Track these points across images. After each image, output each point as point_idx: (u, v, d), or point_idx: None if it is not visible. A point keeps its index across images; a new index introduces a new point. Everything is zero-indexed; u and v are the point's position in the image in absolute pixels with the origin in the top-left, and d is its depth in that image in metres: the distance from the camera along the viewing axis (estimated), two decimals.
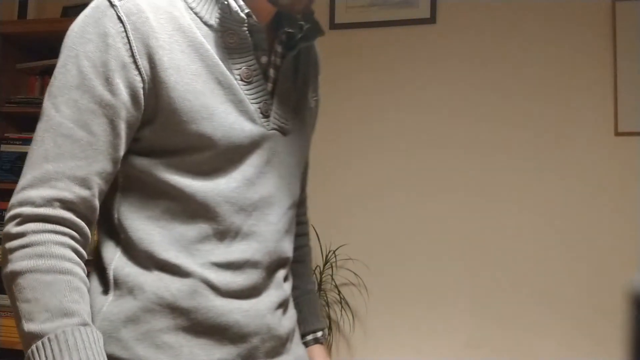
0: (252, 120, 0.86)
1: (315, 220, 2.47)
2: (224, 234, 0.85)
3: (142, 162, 0.83)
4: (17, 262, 0.75)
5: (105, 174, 0.80)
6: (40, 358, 0.71)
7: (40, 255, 0.74)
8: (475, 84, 2.41)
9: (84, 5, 2.92)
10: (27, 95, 2.61)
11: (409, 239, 2.41)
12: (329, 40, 2.55)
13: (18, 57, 2.61)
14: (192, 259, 0.83)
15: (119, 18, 0.79)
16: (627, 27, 2.27)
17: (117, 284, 0.83)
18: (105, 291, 0.83)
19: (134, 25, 0.79)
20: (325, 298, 2.43)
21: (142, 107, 0.81)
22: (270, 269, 0.90)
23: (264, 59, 0.89)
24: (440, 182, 2.40)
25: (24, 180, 0.77)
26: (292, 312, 0.98)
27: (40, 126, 0.79)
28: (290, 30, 0.90)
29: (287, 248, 0.93)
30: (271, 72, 0.90)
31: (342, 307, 2.43)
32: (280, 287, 0.93)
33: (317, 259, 2.46)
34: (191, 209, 0.83)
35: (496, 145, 2.37)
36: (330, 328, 2.41)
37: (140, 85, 0.80)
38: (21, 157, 2.47)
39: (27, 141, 2.49)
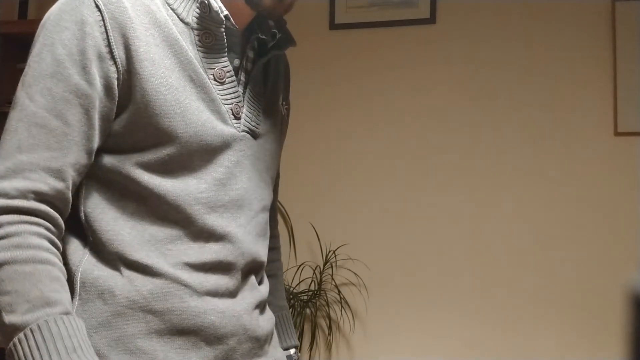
0: (224, 120, 0.85)
1: (316, 220, 2.47)
2: (197, 235, 0.83)
3: (110, 160, 0.81)
4: None
5: (79, 165, 0.78)
6: (23, 349, 0.69)
7: (18, 246, 0.72)
8: (475, 84, 2.41)
9: None
10: None
11: (409, 239, 2.41)
12: (329, 40, 2.55)
13: (18, 57, 2.61)
14: (164, 259, 0.81)
15: (97, 6, 0.77)
16: (627, 27, 2.27)
17: (85, 288, 0.79)
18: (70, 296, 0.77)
19: (112, 14, 0.77)
20: (326, 298, 2.43)
21: (116, 99, 0.79)
22: (244, 271, 0.88)
23: (236, 62, 0.89)
24: (440, 183, 2.40)
25: None
26: (269, 314, 0.95)
27: (13, 115, 0.75)
28: (262, 36, 0.90)
29: (261, 252, 0.92)
30: (242, 75, 0.89)
31: (342, 307, 2.44)
32: (256, 289, 0.91)
33: (317, 259, 2.47)
34: (162, 210, 0.82)
35: (496, 145, 2.37)
36: (330, 328, 2.41)
37: (115, 75, 0.78)
38: None
39: None
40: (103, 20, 0.77)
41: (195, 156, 0.83)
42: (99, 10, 0.77)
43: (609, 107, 2.28)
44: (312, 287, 2.42)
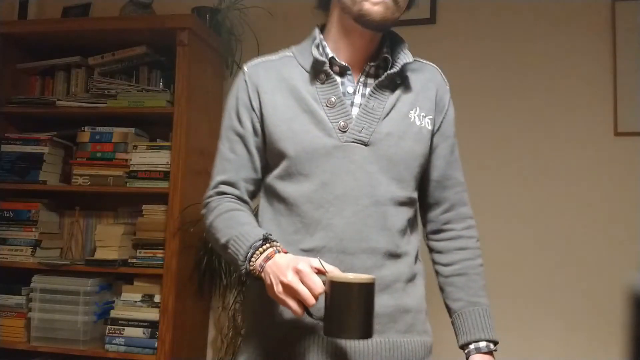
0: (329, 135, 1.15)
1: None
2: (309, 226, 1.15)
3: (266, 177, 1.23)
4: (209, 218, 1.21)
5: (249, 179, 1.24)
6: (230, 251, 1.12)
7: (218, 207, 1.20)
8: (475, 83, 2.41)
9: (84, 6, 2.90)
10: (27, 95, 2.61)
11: None
12: None
13: (18, 57, 2.61)
14: (289, 247, 1.12)
15: (244, 77, 1.24)
16: (627, 27, 2.27)
17: None
18: None
19: (250, 79, 1.23)
20: None
21: (260, 135, 1.21)
22: (353, 254, 1.14)
23: (349, 89, 1.19)
24: None
25: (210, 183, 1.26)
26: (385, 297, 1.15)
27: (217, 154, 1.26)
28: (372, 64, 1.21)
29: (375, 239, 1.15)
30: (357, 97, 1.19)
31: None
32: (370, 271, 1.11)
33: None
34: (288, 208, 1.17)
35: (496, 145, 2.37)
36: None
37: (256, 119, 1.21)
38: (21, 157, 2.47)
39: (27, 141, 2.49)
40: (246, 85, 1.23)
41: (305, 164, 1.15)
42: (245, 79, 1.23)
43: (609, 107, 2.28)
44: None
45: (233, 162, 1.23)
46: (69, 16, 2.74)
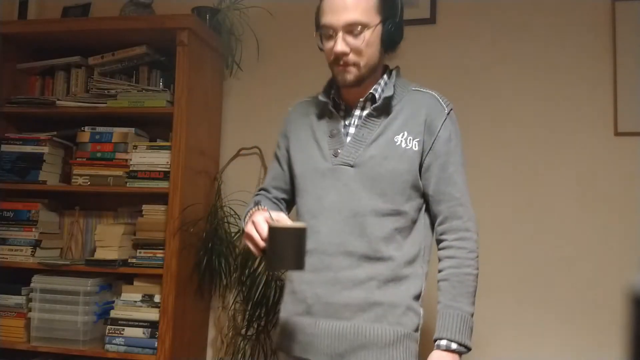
0: (325, 159, 1.46)
1: None
2: (310, 231, 1.33)
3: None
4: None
5: (278, 187, 1.62)
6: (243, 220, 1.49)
7: (252, 201, 1.54)
8: (475, 84, 2.41)
9: (84, 6, 2.89)
10: (27, 95, 2.61)
11: None
12: None
13: (18, 57, 2.61)
14: None
15: (288, 116, 1.63)
16: (627, 27, 2.27)
17: None
18: None
19: (290, 117, 1.62)
20: None
21: (288, 158, 1.58)
22: (332, 255, 1.41)
23: (347, 121, 1.48)
24: None
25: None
26: (357, 292, 1.39)
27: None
28: (361, 99, 1.48)
29: (350, 243, 1.40)
30: (351, 129, 1.47)
31: None
32: (343, 269, 1.40)
33: None
34: (299, 218, 1.50)
35: (496, 145, 2.37)
36: None
37: (286, 146, 1.59)
38: (21, 157, 2.47)
39: (27, 141, 2.49)
40: (286, 121, 1.62)
41: (308, 182, 1.49)
42: (288, 117, 1.63)
43: (609, 107, 2.28)
44: None
45: (270, 174, 1.66)
46: (69, 16, 2.74)
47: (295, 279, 1.48)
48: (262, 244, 1.30)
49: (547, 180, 2.32)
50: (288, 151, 1.57)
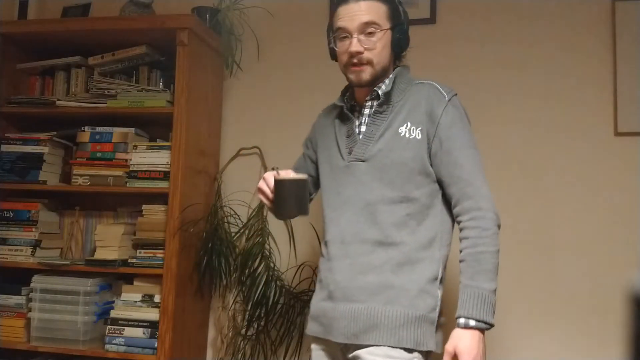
0: (343, 157, 1.61)
1: (316, 220, 2.47)
2: (329, 224, 1.62)
3: None
4: None
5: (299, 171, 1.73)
6: None
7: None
8: (475, 83, 2.41)
9: (84, 6, 2.89)
10: (27, 95, 2.61)
11: None
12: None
13: (18, 57, 2.61)
14: (323, 241, 1.67)
15: (317, 120, 1.83)
16: (627, 27, 2.27)
17: None
18: None
19: (317, 120, 1.82)
20: None
21: (315, 155, 1.79)
22: (349, 243, 1.55)
23: (357, 122, 1.62)
24: None
25: None
26: (371, 277, 1.50)
27: None
28: (367, 98, 1.61)
29: (364, 231, 1.53)
30: (361, 127, 1.61)
31: None
32: (359, 254, 1.53)
33: (317, 259, 2.46)
34: (324, 213, 1.65)
35: (495, 145, 2.36)
36: None
37: (313, 146, 1.80)
38: (21, 157, 2.47)
39: (28, 141, 2.49)
40: (315, 124, 1.83)
41: (330, 179, 1.64)
42: (316, 120, 1.83)
43: (609, 107, 2.28)
44: (313, 287, 2.42)
45: (296, 164, 1.87)
46: (69, 16, 2.74)
47: (321, 269, 1.63)
48: (270, 194, 1.55)
49: (547, 180, 2.32)
50: (315, 152, 1.78)
